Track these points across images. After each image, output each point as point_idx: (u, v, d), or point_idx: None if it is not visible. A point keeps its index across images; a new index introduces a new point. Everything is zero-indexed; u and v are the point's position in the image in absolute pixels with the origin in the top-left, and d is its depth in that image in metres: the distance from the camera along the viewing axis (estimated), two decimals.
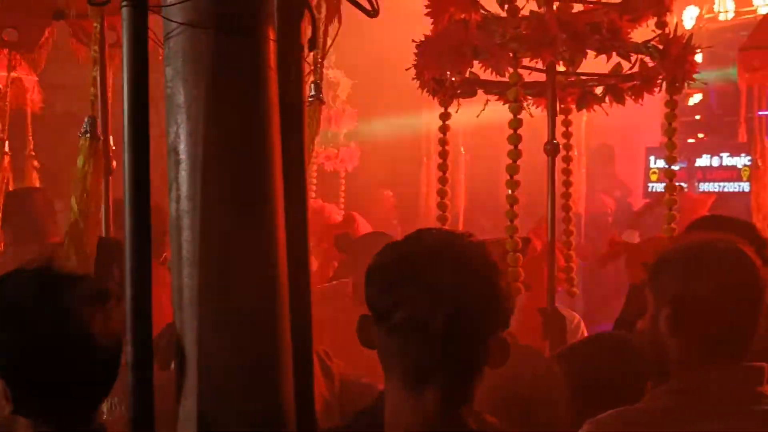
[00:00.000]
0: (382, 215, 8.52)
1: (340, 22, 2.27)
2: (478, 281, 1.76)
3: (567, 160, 4.10)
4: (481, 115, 3.78)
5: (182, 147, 1.63)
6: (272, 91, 1.67)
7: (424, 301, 1.72)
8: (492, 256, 1.80)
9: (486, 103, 3.64)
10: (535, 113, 3.91)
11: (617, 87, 3.85)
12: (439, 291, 1.72)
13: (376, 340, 1.79)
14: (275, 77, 1.68)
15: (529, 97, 3.91)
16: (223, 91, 1.62)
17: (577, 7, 3.63)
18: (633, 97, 3.81)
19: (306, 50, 1.82)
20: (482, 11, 3.56)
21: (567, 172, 4.11)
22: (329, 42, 2.48)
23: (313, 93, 3.65)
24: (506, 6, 3.46)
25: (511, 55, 3.41)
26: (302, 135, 1.82)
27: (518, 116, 3.45)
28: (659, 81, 3.67)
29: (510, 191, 3.49)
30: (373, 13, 1.94)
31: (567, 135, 4.09)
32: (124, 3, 1.53)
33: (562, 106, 4.02)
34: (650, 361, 2.28)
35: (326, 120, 6.93)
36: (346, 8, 2.36)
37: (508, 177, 3.48)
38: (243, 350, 1.65)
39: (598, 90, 3.96)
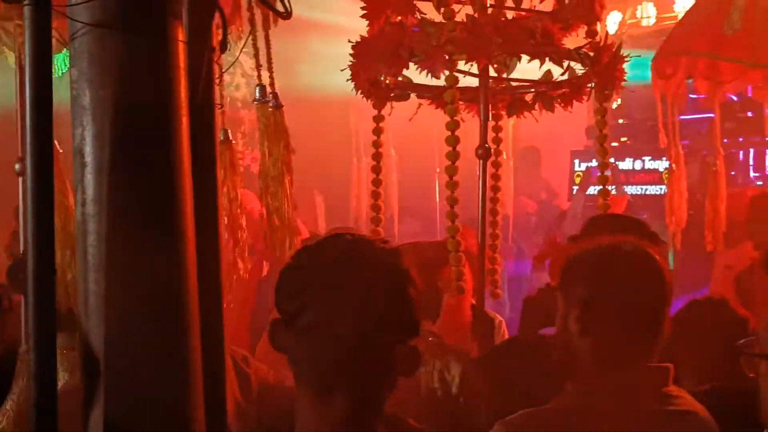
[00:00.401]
0: (311, 219, 8.51)
1: (253, 24, 2.26)
2: (386, 288, 1.76)
3: (496, 165, 4.15)
4: (411, 117, 3.81)
5: (88, 149, 1.60)
6: (182, 92, 1.65)
7: (330, 305, 1.73)
8: (404, 263, 1.81)
9: (419, 107, 3.65)
10: (465, 118, 3.97)
11: (547, 94, 3.92)
12: (346, 296, 1.73)
13: (286, 345, 1.78)
14: (185, 78, 1.66)
15: (462, 103, 3.97)
16: (130, 93, 1.59)
17: (511, 14, 3.70)
18: (562, 104, 3.89)
19: (218, 52, 1.80)
20: (419, 14, 3.59)
21: (496, 177, 4.16)
22: (241, 44, 2.46)
23: (258, 96, 3.65)
24: (442, 9, 3.49)
25: (446, 57, 3.43)
26: (213, 137, 1.81)
27: (455, 118, 3.48)
28: (588, 89, 3.75)
29: (449, 192, 3.51)
30: (286, 15, 1.94)
31: (497, 140, 4.15)
32: (26, 2, 1.50)
33: (493, 112, 4.07)
34: (562, 363, 2.31)
35: (254, 121, 6.91)
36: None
37: (447, 178, 3.50)
38: (151, 356, 1.63)
39: (528, 97, 4.02)
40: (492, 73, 3.81)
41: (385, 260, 1.79)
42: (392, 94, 3.81)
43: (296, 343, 1.77)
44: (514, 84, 3.98)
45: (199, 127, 1.75)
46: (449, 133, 3.44)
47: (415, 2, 3.59)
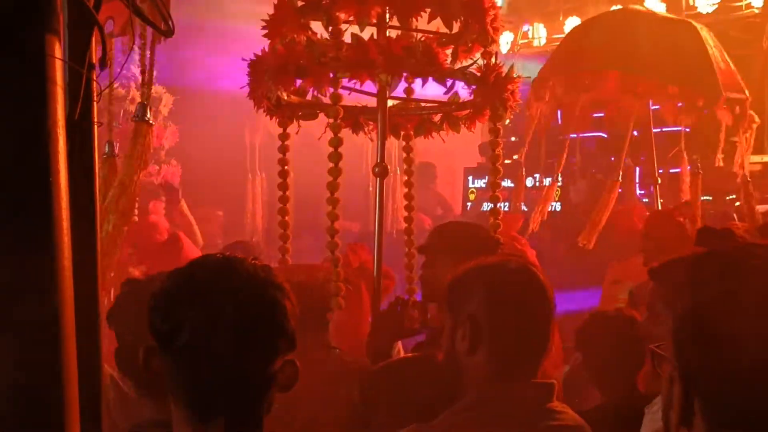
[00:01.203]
0: (208, 234, 8.41)
1: (132, 39, 2.24)
2: (259, 305, 1.76)
3: (409, 184, 4.25)
4: (306, 134, 3.83)
5: None
6: (58, 109, 1.62)
7: (204, 324, 1.72)
8: (277, 277, 1.81)
9: (327, 126, 3.67)
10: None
11: (453, 115, 3.99)
12: (219, 314, 1.72)
13: (161, 370, 1.76)
14: (62, 96, 1.63)
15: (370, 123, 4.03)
16: (3, 110, 1.56)
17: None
18: (467, 125, 3.97)
19: (97, 69, 1.78)
20: (311, 32, 3.65)
21: (409, 196, 4.25)
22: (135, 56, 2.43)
23: (139, 114, 3.61)
24: (330, 28, 3.53)
25: (330, 75, 3.49)
26: (92, 153, 1.78)
27: (338, 135, 3.52)
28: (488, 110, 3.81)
29: (331, 208, 3.55)
30: (168, 32, 1.92)
31: (408, 161, 4.23)
32: None
33: (402, 132, 4.14)
34: (449, 379, 2.33)
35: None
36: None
37: (329, 194, 3.53)
38: (24, 382, 1.58)
39: (435, 117, 4.08)
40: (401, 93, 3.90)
41: (258, 275, 1.79)
42: (299, 113, 3.84)
43: (173, 366, 1.75)
44: (412, 105, 4.05)
45: (79, 143, 1.72)
46: (332, 149, 3.50)
47: (308, 21, 3.63)
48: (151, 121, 3.62)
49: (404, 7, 3.56)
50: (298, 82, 3.63)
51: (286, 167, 3.88)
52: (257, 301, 1.76)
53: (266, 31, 3.61)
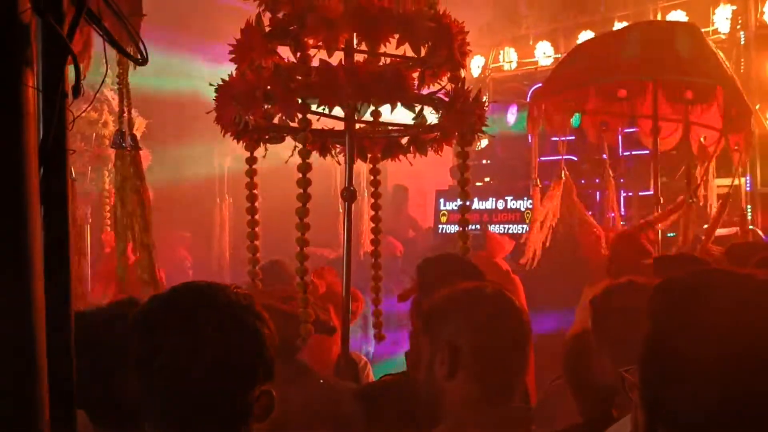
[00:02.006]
0: (177, 257, 8.41)
1: (107, 67, 2.25)
2: (239, 332, 1.78)
3: (376, 207, 4.24)
4: (279, 158, 3.84)
5: None
6: (31, 138, 1.64)
7: (183, 349, 1.73)
8: (257, 307, 1.83)
9: (294, 149, 3.69)
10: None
11: (420, 138, 4.01)
12: (199, 340, 1.74)
13: (139, 394, 1.77)
14: (34, 125, 1.65)
15: (338, 146, 4.06)
16: None
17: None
18: (434, 149, 3.99)
19: (70, 97, 1.80)
20: (279, 58, 3.65)
21: (377, 219, 4.24)
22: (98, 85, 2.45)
23: (122, 142, 3.63)
24: (298, 54, 3.55)
25: (299, 101, 3.50)
26: (65, 181, 1.79)
27: (307, 160, 3.54)
28: (456, 134, 3.84)
29: (300, 233, 3.56)
30: (142, 61, 1.95)
31: (375, 183, 4.24)
32: None
33: (370, 155, 4.15)
34: (427, 405, 2.35)
35: None
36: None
37: (298, 220, 3.55)
38: None
39: (403, 140, 4.10)
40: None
41: (239, 303, 1.80)
42: (267, 137, 3.84)
43: (150, 390, 1.76)
44: (379, 129, 4.05)
45: (53, 170, 1.74)
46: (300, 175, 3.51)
47: (275, 46, 3.64)
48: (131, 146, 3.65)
49: (373, 33, 3.57)
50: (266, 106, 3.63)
51: (254, 191, 3.85)
52: (237, 328, 1.77)
53: (233, 56, 3.61)
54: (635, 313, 2.23)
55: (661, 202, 6.27)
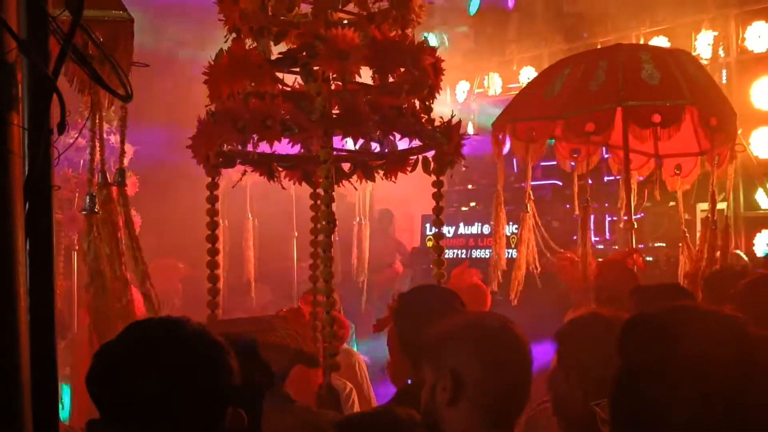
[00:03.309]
0: (169, 287, 8.36)
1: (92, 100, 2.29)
2: (198, 362, 1.80)
3: (316, 232, 4.12)
4: (234, 185, 3.75)
5: None
6: (16, 175, 1.67)
7: (156, 393, 1.75)
8: (214, 336, 1.85)
9: (244, 173, 3.62)
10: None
11: (368, 165, 4.02)
12: (163, 374, 1.76)
13: None
14: (19, 162, 1.68)
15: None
16: None
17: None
18: (384, 175, 4.00)
19: (56, 134, 1.83)
20: (281, 86, 3.62)
21: (315, 243, 4.15)
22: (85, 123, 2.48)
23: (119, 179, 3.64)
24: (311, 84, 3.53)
25: (323, 132, 3.46)
26: (50, 217, 1.82)
27: (331, 192, 3.51)
28: (411, 161, 3.89)
29: (323, 267, 3.55)
30: (127, 97, 1.98)
31: (315, 208, 4.09)
32: None
33: (313, 179, 4.11)
34: (427, 430, 2.36)
35: None
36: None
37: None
38: None
39: (346, 167, 4.09)
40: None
41: (196, 335, 1.83)
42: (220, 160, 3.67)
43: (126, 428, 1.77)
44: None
45: (38, 206, 1.77)
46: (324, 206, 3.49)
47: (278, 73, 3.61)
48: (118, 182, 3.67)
49: (387, 65, 3.58)
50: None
51: (216, 218, 3.71)
52: (195, 362, 1.80)
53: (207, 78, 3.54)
54: (600, 344, 2.27)
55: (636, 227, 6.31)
